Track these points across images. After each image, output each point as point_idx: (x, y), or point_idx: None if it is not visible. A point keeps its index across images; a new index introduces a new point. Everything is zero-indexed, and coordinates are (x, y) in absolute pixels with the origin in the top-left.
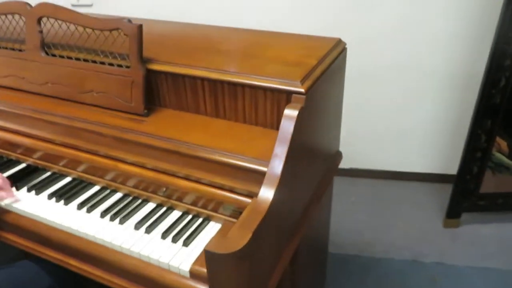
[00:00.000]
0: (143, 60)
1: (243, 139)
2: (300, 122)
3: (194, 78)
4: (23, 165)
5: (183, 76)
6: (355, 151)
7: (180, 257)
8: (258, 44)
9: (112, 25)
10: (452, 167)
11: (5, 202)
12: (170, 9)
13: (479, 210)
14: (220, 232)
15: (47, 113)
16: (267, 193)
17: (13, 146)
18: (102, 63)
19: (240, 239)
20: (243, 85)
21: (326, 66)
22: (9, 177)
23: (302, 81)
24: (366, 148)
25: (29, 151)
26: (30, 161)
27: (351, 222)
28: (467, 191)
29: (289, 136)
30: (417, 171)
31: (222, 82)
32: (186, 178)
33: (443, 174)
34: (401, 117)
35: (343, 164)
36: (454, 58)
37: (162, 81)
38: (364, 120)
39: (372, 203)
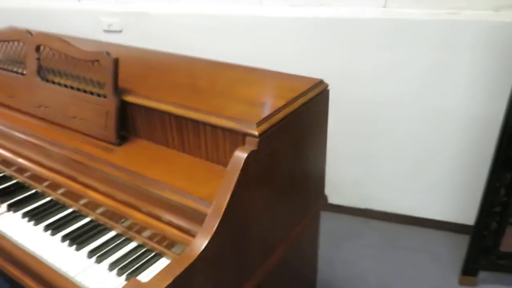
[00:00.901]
0: (118, 92)
1: (199, 178)
2: (250, 165)
3: (162, 112)
4: (13, 182)
5: (153, 110)
6: (371, 192)
7: None
8: (238, 81)
9: (93, 56)
10: (473, 218)
11: None
12: (192, 39)
13: (499, 270)
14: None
15: (33, 135)
16: (199, 242)
17: (7, 163)
18: (85, 91)
19: (157, 284)
20: (204, 124)
21: (295, 108)
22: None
23: (258, 124)
24: (382, 190)
25: (20, 170)
26: (20, 179)
27: (357, 265)
28: (485, 248)
29: (234, 180)
30: (435, 218)
31: (186, 118)
32: (141, 211)
33: (463, 225)
34: (419, 161)
35: (358, 204)
36: (474, 99)
37: (136, 113)
38: (382, 162)
39: (383, 247)
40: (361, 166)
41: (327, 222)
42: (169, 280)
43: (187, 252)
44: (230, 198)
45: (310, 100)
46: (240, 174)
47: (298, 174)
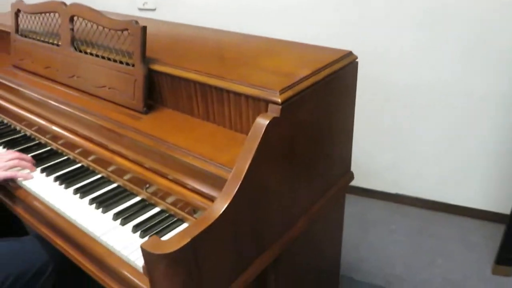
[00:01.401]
0: (146, 61)
1: (222, 145)
2: (271, 132)
3: (187, 80)
4: (47, 148)
5: (179, 78)
6: (403, 177)
7: (140, 254)
8: (264, 51)
9: (122, 25)
10: (509, 207)
11: (25, 180)
12: (225, 18)
13: None
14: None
15: (66, 104)
16: (218, 205)
17: (43, 131)
18: (115, 61)
19: (176, 243)
20: (228, 91)
21: (320, 78)
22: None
23: (282, 91)
24: (415, 175)
25: (54, 137)
26: (53, 146)
27: (385, 251)
28: None
29: (254, 146)
30: (469, 206)
31: (210, 86)
32: (165, 177)
33: (500, 213)
34: (456, 146)
35: (389, 189)
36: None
37: (163, 82)
38: (416, 146)
39: (413, 234)
40: (393, 150)
41: (355, 207)
42: (186, 240)
43: (206, 214)
44: (250, 164)
45: (337, 71)
46: (261, 141)
47: (322, 147)
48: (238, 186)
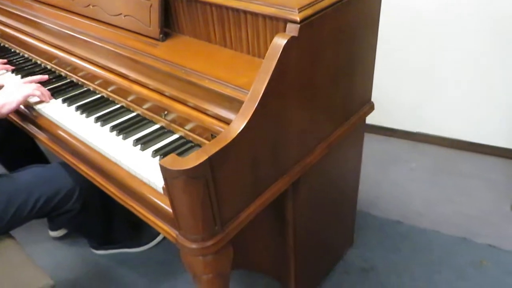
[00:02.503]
0: None
1: (239, 69)
2: (289, 52)
3: (203, 3)
4: (68, 80)
5: (195, 1)
6: (426, 115)
7: (160, 176)
8: None
9: None
10: None
11: (42, 105)
12: None
13: None
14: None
15: (84, 33)
16: (235, 125)
17: (63, 63)
18: None
19: (194, 160)
20: (245, 12)
21: None
22: (52, 89)
23: (301, 9)
24: (438, 113)
25: (74, 69)
26: (74, 78)
27: (403, 188)
28: None
29: (272, 67)
30: (492, 144)
31: (226, 7)
32: (183, 103)
33: None
34: (481, 81)
35: (411, 128)
36: None
37: (179, 8)
38: (440, 83)
39: (433, 172)
40: (416, 88)
41: (376, 146)
42: (204, 158)
43: (223, 134)
44: (268, 84)
45: None
46: (278, 61)
47: (342, 73)
48: (255, 107)
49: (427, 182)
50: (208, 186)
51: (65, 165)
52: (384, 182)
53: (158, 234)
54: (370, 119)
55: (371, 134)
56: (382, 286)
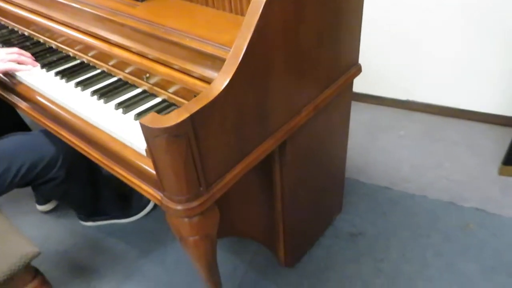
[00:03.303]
0: None
1: (221, 27)
2: (272, 8)
3: None
4: (46, 46)
5: None
6: (414, 83)
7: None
8: None
9: None
10: None
11: (20, 72)
12: None
13: None
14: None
15: None
16: (218, 82)
17: (41, 29)
18: None
19: (175, 118)
20: None
21: None
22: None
23: None
24: (426, 80)
25: (52, 34)
26: (53, 44)
27: (392, 155)
28: None
29: (254, 22)
30: (481, 111)
31: None
32: (164, 64)
33: (510, 117)
34: (468, 48)
35: (399, 95)
36: None
37: None
38: (427, 50)
39: (421, 139)
40: (405, 55)
41: (365, 113)
42: (185, 115)
43: (205, 92)
44: (250, 40)
45: None
46: (261, 16)
47: (327, 32)
48: (237, 64)
49: (416, 149)
50: (190, 145)
51: (48, 133)
52: (373, 149)
53: (147, 204)
54: (359, 88)
55: (360, 102)
56: (370, 250)
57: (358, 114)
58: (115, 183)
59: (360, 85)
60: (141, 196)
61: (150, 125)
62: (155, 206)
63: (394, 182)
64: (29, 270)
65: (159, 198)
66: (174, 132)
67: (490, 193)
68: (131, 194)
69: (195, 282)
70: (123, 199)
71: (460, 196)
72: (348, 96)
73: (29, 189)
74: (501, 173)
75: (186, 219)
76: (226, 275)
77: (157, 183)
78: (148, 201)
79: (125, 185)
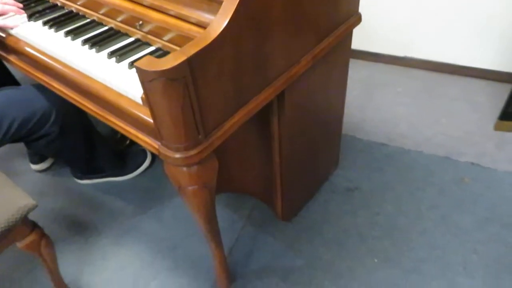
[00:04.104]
0: None
1: None
2: None
3: None
4: None
5: None
6: (412, 39)
7: (138, 86)
8: None
9: None
10: None
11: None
12: None
13: None
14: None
15: None
16: (216, 24)
17: None
18: None
19: (172, 61)
20: None
21: None
22: None
23: None
24: (424, 36)
25: None
26: None
27: (389, 112)
28: None
29: None
30: (479, 67)
31: None
32: (158, 10)
33: (509, 73)
34: (468, 4)
35: (397, 52)
36: None
37: None
38: (425, 5)
39: (419, 95)
40: (403, 11)
41: (363, 70)
42: (182, 58)
43: (203, 35)
44: None
45: None
46: None
47: None
48: (235, 7)
49: (413, 105)
50: (188, 90)
51: (39, 87)
52: (370, 106)
53: (143, 162)
54: (356, 45)
55: (357, 59)
56: (366, 204)
57: (356, 71)
58: (110, 141)
59: (357, 42)
60: (137, 154)
61: (146, 68)
62: (151, 164)
63: (391, 138)
64: (27, 223)
65: (157, 147)
66: (171, 75)
67: (486, 148)
68: (127, 152)
69: (193, 236)
70: (119, 157)
71: (456, 151)
72: (347, 48)
73: (23, 149)
74: (497, 128)
75: (184, 168)
76: (225, 230)
77: (154, 131)
78: (144, 159)
79: (121, 143)
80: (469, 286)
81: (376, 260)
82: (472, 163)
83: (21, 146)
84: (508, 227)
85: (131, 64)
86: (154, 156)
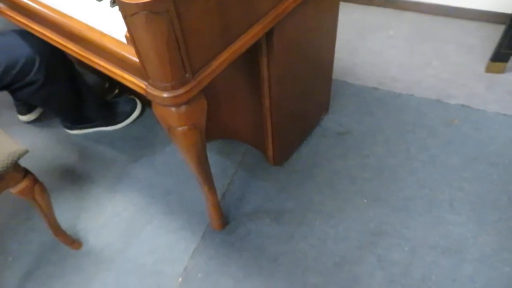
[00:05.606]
0: None
1: None
2: None
3: None
4: None
5: None
6: None
7: (122, 24)
8: None
9: None
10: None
11: None
12: None
13: None
14: None
15: None
16: None
17: None
18: None
19: None
20: None
21: None
22: None
23: None
24: None
25: None
26: None
27: (380, 56)
28: None
29: None
30: (471, 8)
31: None
32: None
33: (502, 13)
34: None
35: None
36: None
37: None
38: None
39: (411, 39)
40: None
41: (354, 14)
42: None
43: None
44: None
45: None
46: None
47: None
48: None
49: (405, 49)
50: (172, 24)
51: (21, 33)
52: (362, 50)
53: (133, 111)
54: None
55: (349, 3)
56: (357, 147)
57: (347, 15)
58: (99, 91)
59: None
60: (126, 103)
61: (127, 1)
62: (142, 113)
63: (382, 82)
64: (19, 169)
65: (144, 87)
66: (154, 8)
67: (476, 89)
68: (117, 102)
69: (186, 182)
70: (108, 107)
71: (446, 93)
72: None
73: (10, 101)
74: (488, 70)
75: (173, 109)
76: (217, 176)
77: (140, 70)
78: (134, 108)
79: (109, 93)
80: (455, 221)
81: (365, 200)
82: (462, 105)
83: (8, 98)
84: (494, 165)
85: (113, 2)
86: (144, 106)
